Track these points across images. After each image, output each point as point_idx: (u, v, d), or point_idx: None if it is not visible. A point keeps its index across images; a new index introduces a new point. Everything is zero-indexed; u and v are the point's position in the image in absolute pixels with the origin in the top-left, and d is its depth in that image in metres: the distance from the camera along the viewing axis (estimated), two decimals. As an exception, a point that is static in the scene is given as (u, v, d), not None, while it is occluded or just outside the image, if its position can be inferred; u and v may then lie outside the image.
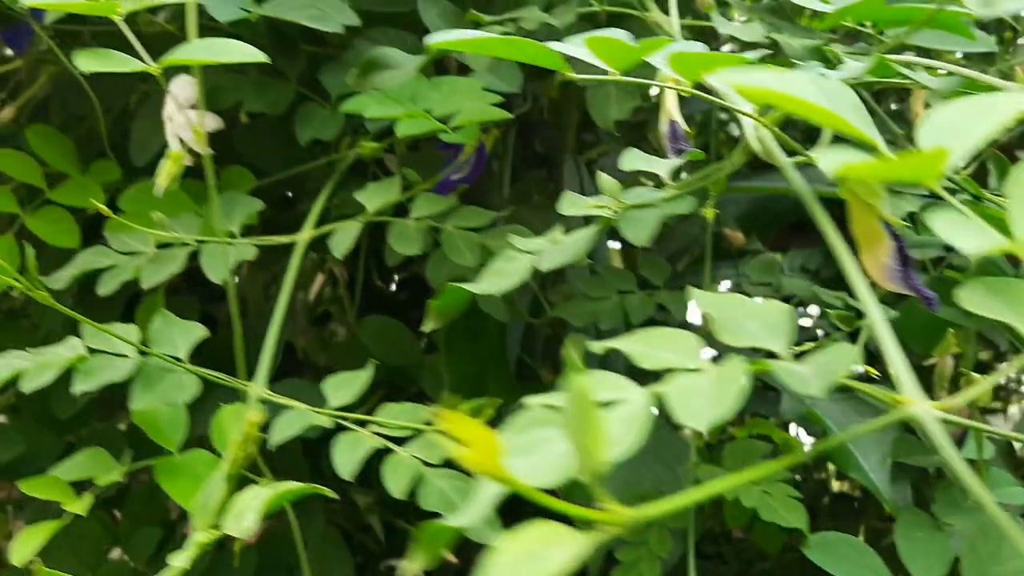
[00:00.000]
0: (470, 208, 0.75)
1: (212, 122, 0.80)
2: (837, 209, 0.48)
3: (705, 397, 0.32)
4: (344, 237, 0.71)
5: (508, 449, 0.28)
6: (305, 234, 0.73)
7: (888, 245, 0.47)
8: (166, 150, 0.80)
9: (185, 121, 0.79)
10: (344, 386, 0.66)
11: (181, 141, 0.79)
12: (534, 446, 0.30)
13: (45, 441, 0.93)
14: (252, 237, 0.73)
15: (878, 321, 0.37)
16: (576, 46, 0.48)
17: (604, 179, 0.62)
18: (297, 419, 0.63)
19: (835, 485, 1.34)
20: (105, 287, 0.69)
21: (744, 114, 0.50)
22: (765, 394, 0.94)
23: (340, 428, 0.64)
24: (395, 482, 0.61)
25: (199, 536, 0.51)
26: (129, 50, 0.63)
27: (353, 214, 0.76)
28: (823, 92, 0.36)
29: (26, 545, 0.64)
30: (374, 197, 0.73)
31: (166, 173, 0.76)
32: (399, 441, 0.63)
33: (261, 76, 0.82)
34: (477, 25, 0.76)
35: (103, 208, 0.69)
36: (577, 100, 1.05)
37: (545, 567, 0.25)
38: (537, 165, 1.12)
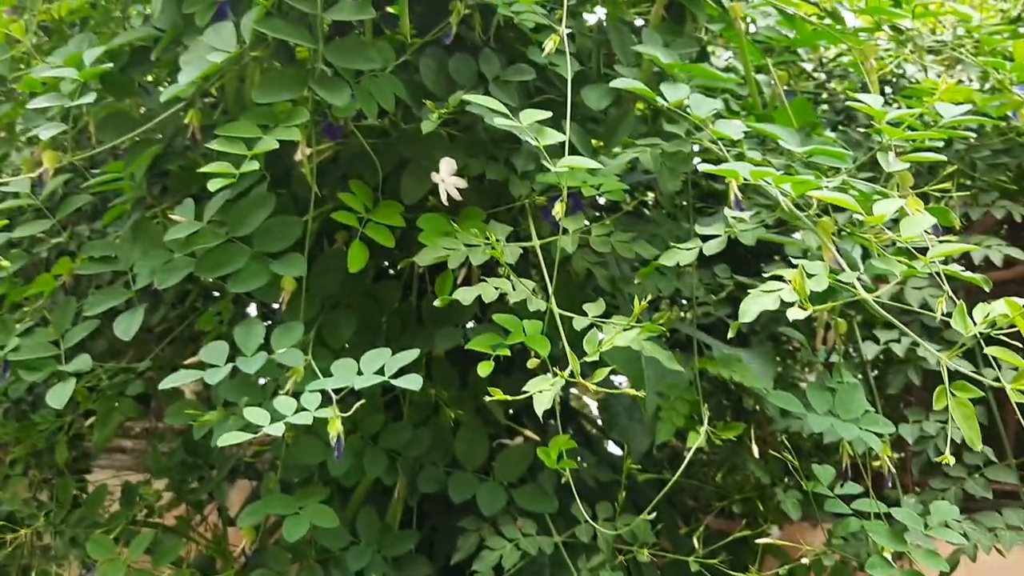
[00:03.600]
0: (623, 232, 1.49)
1: (462, 183, 1.52)
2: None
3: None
4: (566, 241, 1.41)
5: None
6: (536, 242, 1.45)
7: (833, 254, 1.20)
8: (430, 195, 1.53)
9: (449, 182, 1.51)
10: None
11: (447, 193, 1.51)
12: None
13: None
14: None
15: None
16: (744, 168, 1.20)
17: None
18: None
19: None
20: (452, 262, 1.39)
21: (782, 194, 1.22)
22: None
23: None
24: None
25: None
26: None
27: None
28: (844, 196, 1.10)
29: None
30: (570, 224, 1.44)
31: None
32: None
33: (488, 160, 1.55)
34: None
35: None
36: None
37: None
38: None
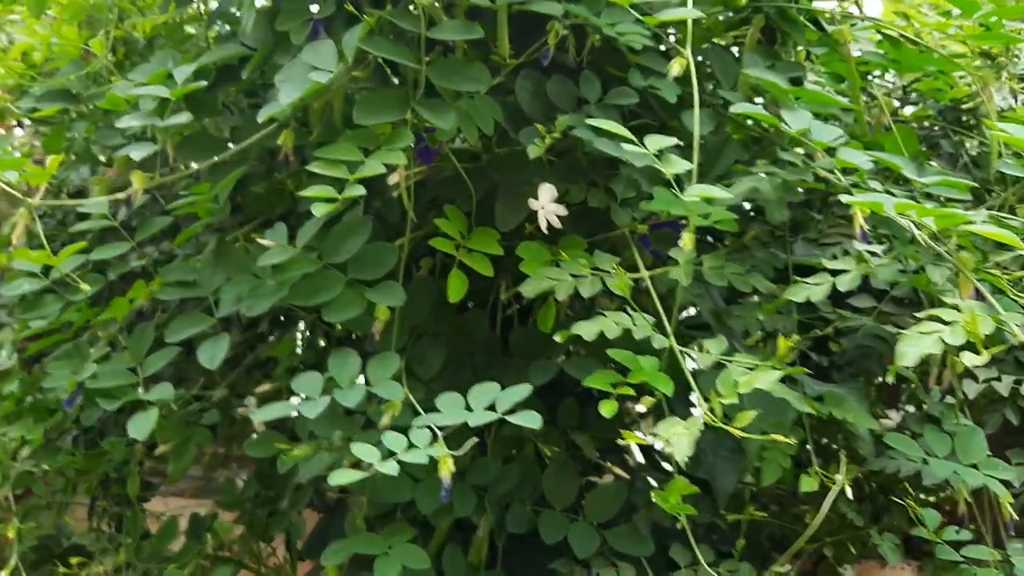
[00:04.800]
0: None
1: (562, 210, 1.46)
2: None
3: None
4: (679, 272, 1.34)
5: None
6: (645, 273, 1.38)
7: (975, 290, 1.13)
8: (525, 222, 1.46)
9: (550, 209, 1.44)
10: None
11: (547, 221, 1.45)
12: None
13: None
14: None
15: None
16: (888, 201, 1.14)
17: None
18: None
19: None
20: (560, 294, 1.32)
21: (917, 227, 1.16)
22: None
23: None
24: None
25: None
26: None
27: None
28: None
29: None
30: (679, 254, 1.37)
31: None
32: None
33: (590, 187, 1.48)
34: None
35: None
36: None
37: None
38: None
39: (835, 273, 1.25)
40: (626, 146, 1.21)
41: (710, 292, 1.68)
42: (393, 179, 1.46)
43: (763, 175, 1.37)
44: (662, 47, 1.56)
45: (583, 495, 1.62)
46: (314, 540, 1.91)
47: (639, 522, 1.58)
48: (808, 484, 1.38)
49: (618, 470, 1.66)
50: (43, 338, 1.68)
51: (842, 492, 1.71)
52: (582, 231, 1.54)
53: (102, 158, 2.09)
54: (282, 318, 2.00)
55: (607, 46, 1.59)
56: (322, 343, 1.90)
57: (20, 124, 2.46)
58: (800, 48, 1.82)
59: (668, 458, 2.15)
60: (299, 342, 1.92)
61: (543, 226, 1.44)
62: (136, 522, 1.75)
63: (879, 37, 1.87)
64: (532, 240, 1.47)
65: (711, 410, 1.11)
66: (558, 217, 1.46)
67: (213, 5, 1.88)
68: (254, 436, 1.77)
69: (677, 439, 1.07)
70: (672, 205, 1.36)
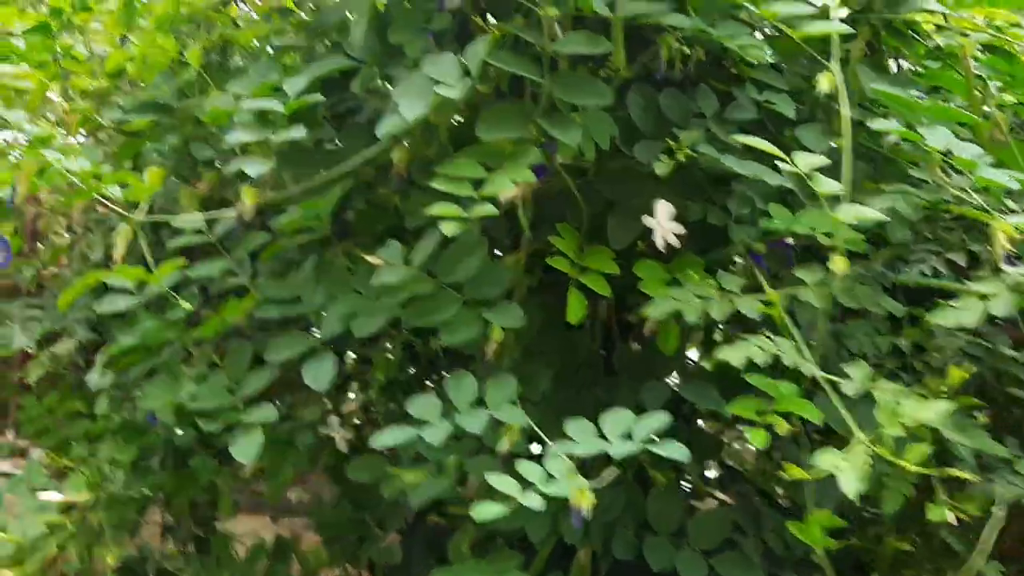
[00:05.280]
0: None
1: (679, 228, 1.41)
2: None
3: None
4: (811, 293, 1.30)
5: None
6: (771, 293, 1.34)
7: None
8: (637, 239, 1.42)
9: (667, 226, 1.40)
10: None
11: (664, 239, 1.41)
12: None
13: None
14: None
15: None
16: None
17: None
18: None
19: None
20: (691, 316, 1.28)
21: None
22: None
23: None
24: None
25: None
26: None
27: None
28: None
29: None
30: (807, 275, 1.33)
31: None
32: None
33: (705, 203, 1.44)
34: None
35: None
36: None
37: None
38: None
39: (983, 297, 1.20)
40: (781, 164, 1.16)
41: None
42: (506, 195, 1.41)
43: (898, 194, 1.32)
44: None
45: (685, 520, 1.58)
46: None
47: (748, 549, 1.53)
48: (937, 514, 1.33)
49: (721, 494, 1.61)
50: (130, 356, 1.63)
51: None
52: (691, 249, 1.50)
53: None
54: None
55: (710, 59, 1.56)
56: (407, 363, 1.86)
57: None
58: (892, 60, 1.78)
59: (750, 480, 2.12)
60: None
61: (660, 244, 1.40)
62: (225, 544, 1.71)
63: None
64: (644, 258, 1.43)
65: (876, 441, 1.06)
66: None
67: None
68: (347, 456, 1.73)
69: (842, 471, 1.02)
70: (792, 223, 1.32)
